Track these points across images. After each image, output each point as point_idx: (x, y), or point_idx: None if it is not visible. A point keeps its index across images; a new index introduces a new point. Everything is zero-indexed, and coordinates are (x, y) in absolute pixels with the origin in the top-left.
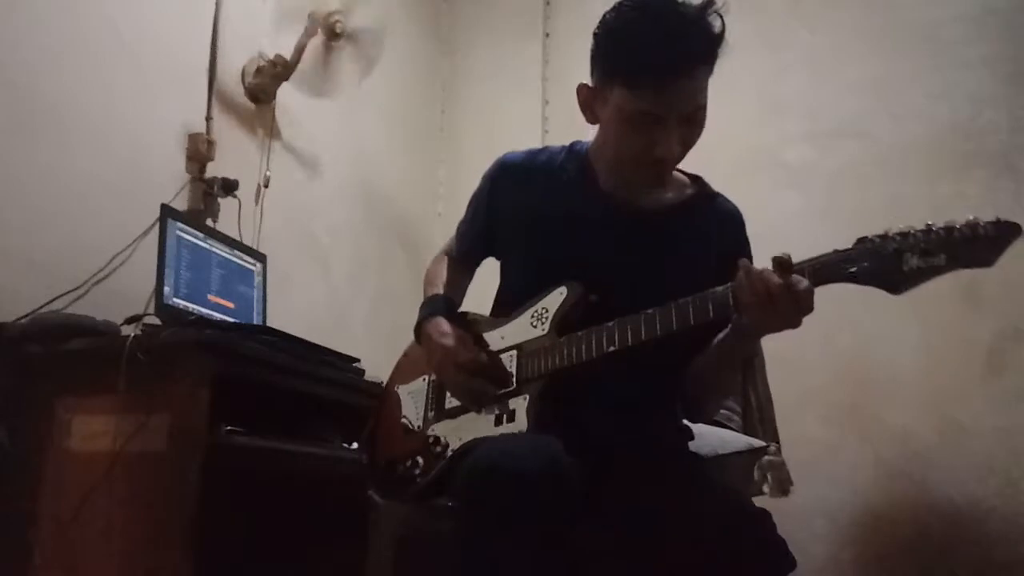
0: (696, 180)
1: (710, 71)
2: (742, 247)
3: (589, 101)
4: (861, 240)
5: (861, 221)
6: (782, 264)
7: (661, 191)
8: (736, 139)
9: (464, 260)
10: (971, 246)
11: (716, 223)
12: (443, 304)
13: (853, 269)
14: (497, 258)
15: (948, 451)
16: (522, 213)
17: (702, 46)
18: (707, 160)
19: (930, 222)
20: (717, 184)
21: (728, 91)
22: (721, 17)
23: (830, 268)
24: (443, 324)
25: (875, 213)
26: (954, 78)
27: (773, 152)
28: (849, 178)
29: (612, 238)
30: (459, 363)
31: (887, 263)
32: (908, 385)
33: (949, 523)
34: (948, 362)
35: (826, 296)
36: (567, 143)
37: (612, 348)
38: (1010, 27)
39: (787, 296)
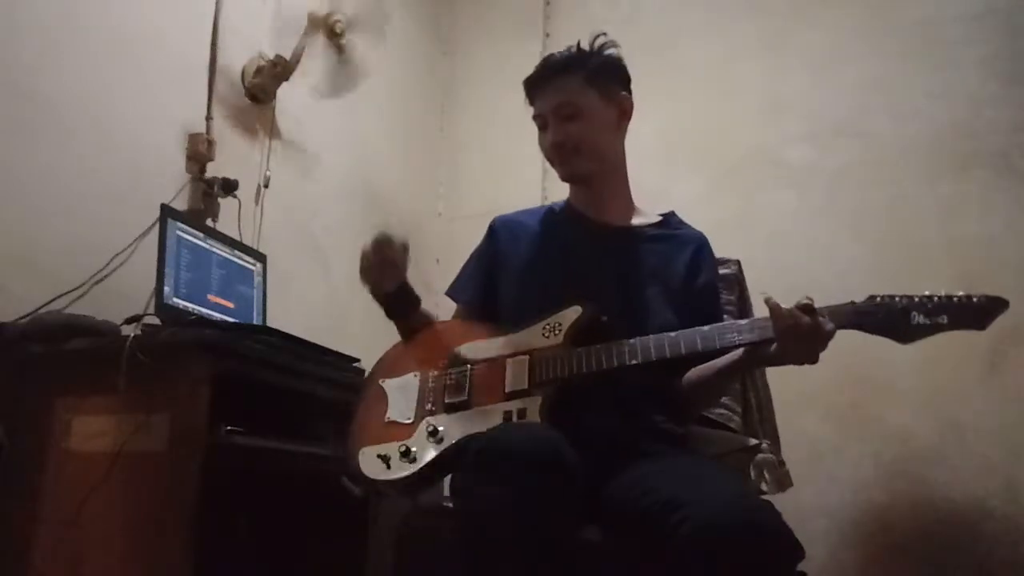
0: (668, 214)
1: (575, 79)
2: (710, 270)
3: None
4: (872, 297)
5: (861, 221)
6: (807, 309)
7: (629, 214)
8: (736, 139)
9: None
10: (967, 312)
11: (684, 245)
12: None
13: (867, 319)
14: (495, 303)
15: (948, 451)
16: (522, 254)
17: (552, 63)
18: (708, 160)
19: (928, 292)
20: (718, 183)
21: (728, 91)
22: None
23: (848, 316)
24: None
25: (875, 213)
26: (954, 78)
27: (773, 152)
28: (849, 178)
29: (587, 247)
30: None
31: (896, 317)
32: (908, 385)
33: (949, 523)
34: (948, 362)
35: (826, 296)
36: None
37: (634, 362)
38: (1010, 27)
39: (814, 334)
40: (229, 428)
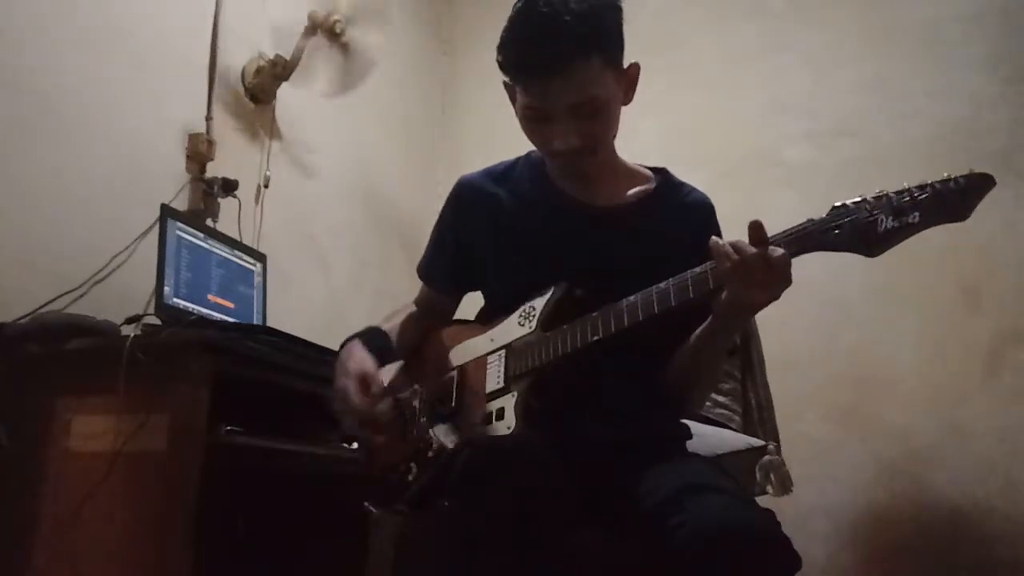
0: (660, 172)
1: (594, 64)
2: (713, 236)
3: (512, 98)
4: (835, 207)
5: None
6: (757, 233)
7: (620, 187)
8: (736, 139)
9: (428, 297)
10: (944, 200)
11: (682, 214)
12: (368, 332)
13: (828, 236)
14: (470, 283)
15: (948, 451)
16: (490, 227)
17: (567, 45)
18: (708, 160)
19: (906, 183)
20: (718, 183)
21: (728, 91)
22: (608, 9)
23: (805, 237)
24: (355, 352)
25: None
26: (954, 78)
27: (773, 152)
28: (849, 178)
29: (574, 236)
30: (351, 408)
31: (861, 227)
32: (908, 385)
33: (949, 523)
34: (948, 362)
35: (826, 297)
36: (522, 154)
37: (596, 337)
38: (1010, 26)
39: (763, 264)
40: (229, 428)
